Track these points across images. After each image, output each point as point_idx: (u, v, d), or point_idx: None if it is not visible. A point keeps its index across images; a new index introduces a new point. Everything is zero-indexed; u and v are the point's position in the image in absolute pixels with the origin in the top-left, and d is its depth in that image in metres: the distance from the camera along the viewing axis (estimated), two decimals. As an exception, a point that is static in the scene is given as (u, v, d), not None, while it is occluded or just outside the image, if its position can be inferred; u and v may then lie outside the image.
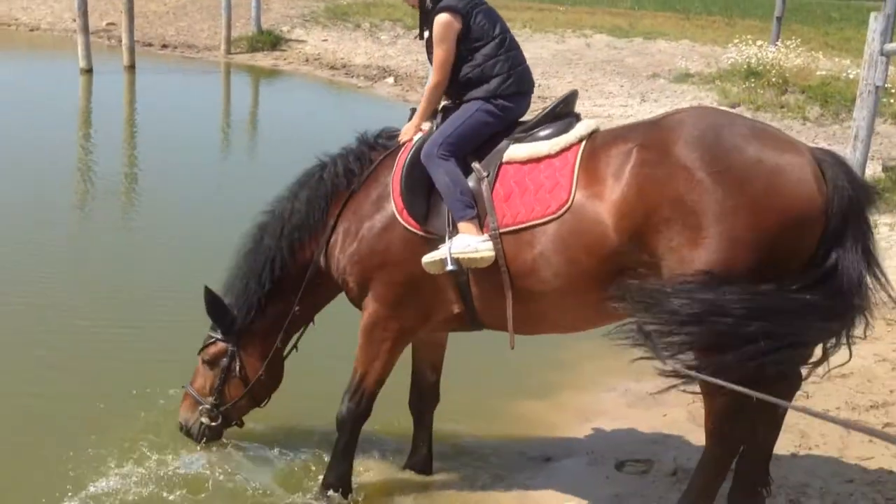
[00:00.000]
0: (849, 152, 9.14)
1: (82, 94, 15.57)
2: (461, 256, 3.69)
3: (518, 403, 5.29)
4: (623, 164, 3.56)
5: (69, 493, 4.17)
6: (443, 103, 4.15)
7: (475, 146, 3.93)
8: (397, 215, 3.90)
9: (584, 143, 3.78)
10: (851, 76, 14.11)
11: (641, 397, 5.49)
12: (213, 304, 4.32)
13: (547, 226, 3.64)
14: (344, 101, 16.95)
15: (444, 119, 4.00)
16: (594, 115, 14.57)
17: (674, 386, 3.51)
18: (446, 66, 3.96)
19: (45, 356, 5.57)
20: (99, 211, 8.79)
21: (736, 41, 16.61)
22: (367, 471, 4.55)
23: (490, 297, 3.82)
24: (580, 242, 3.58)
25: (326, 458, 4.40)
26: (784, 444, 4.66)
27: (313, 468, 4.51)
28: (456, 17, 3.91)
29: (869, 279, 3.54)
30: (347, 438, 4.22)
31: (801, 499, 4.21)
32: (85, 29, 16.32)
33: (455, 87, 4.04)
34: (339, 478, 4.25)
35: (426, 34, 4.09)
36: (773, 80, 14.54)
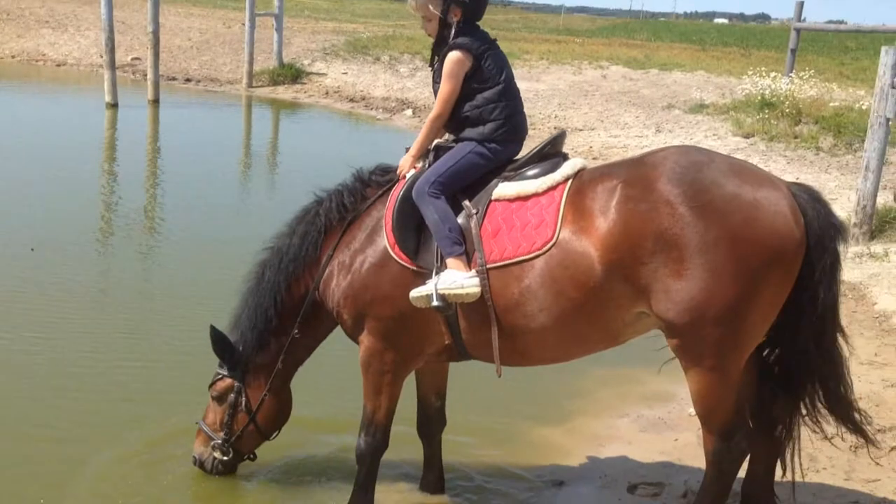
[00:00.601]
0: (860, 182, 9.30)
1: (108, 128, 15.92)
2: (447, 292, 3.80)
3: (532, 429, 5.42)
4: (608, 199, 3.71)
5: None
6: (436, 142, 4.26)
7: (465, 185, 4.07)
8: (389, 250, 4.01)
9: (570, 181, 3.92)
10: (865, 107, 14.26)
11: (653, 423, 5.62)
12: (218, 341, 4.47)
13: (534, 261, 3.77)
14: (363, 133, 17.25)
15: (436, 158, 4.12)
16: (610, 145, 14.80)
17: None
18: (450, 100, 4.10)
19: (64, 386, 5.67)
20: (120, 244, 8.94)
21: (750, 73, 16.78)
22: (385, 493, 4.69)
23: (477, 330, 3.94)
24: (567, 276, 3.72)
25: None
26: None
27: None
28: (468, 56, 4.06)
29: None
30: (367, 471, 4.33)
31: (809, 517, 4.32)
32: (111, 65, 16.76)
33: (453, 122, 4.17)
34: None
35: (436, 64, 4.22)
36: (787, 110, 14.71)
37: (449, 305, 3.86)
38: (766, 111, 15.02)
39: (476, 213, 3.95)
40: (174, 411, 5.29)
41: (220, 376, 4.55)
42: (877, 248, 8.76)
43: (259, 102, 19.97)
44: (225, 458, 4.57)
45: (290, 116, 19.03)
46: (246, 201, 11.50)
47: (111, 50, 16.73)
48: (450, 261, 3.86)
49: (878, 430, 5.31)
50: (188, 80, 21.88)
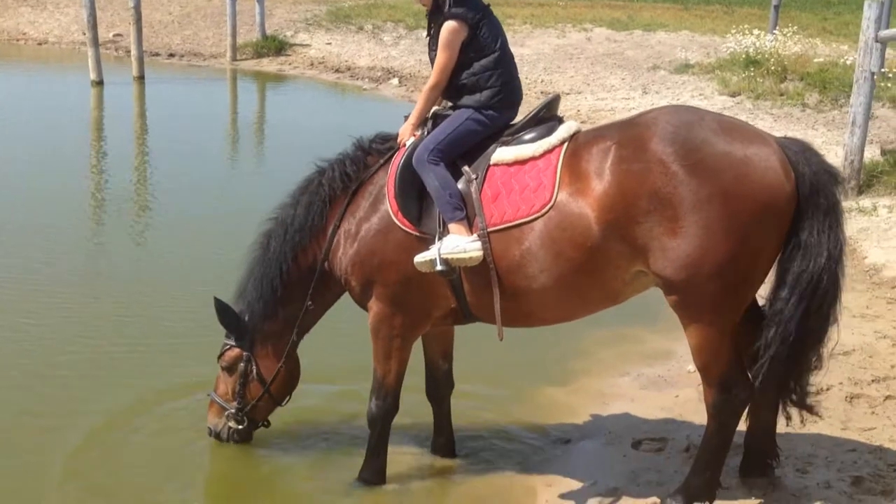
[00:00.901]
0: (847, 137, 9.41)
1: (95, 106, 15.87)
2: (450, 257, 3.93)
3: (538, 389, 5.57)
4: (603, 161, 3.83)
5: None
6: (434, 109, 4.36)
7: (464, 151, 4.18)
8: (392, 216, 4.14)
9: (566, 144, 4.04)
10: (849, 62, 14.33)
11: (654, 380, 5.77)
12: (223, 312, 4.56)
13: (533, 223, 3.90)
14: (351, 102, 17.25)
15: (434, 125, 4.24)
16: (597, 108, 14.83)
17: None
18: (447, 69, 4.19)
19: (51, 375, 5.68)
20: (111, 222, 9.01)
21: (734, 31, 16.81)
22: (397, 456, 4.81)
23: (481, 292, 4.07)
24: (565, 237, 3.85)
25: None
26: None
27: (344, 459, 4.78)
28: (464, 26, 4.14)
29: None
30: (379, 435, 4.47)
31: (808, 468, 4.48)
32: (95, 42, 16.63)
33: (450, 90, 4.27)
34: (375, 472, 4.52)
35: (432, 34, 4.30)
36: (772, 68, 14.77)
37: (452, 269, 3.99)
38: (752, 69, 15.06)
39: (475, 178, 4.06)
40: (166, 396, 5.38)
41: (228, 346, 4.64)
42: (865, 202, 8.89)
43: (244, 75, 19.86)
44: (240, 426, 4.67)
45: (277, 88, 18.95)
46: (237, 176, 11.54)
47: (94, 27, 16.61)
48: (452, 226, 3.98)
49: (873, 380, 5.50)
50: (171, 55, 21.69)
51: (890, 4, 10.92)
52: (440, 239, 3.99)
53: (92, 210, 9.56)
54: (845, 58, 14.92)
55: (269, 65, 20.67)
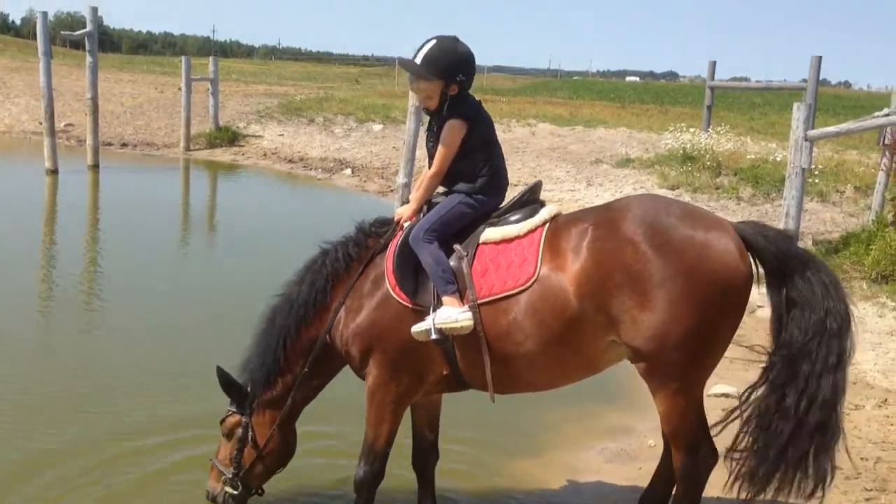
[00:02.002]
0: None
1: (49, 194, 15.96)
2: (444, 326, 4.30)
3: (511, 462, 5.85)
4: (580, 240, 4.27)
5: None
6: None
7: (456, 231, 4.58)
8: (391, 291, 4.50)
9: (547, 225, 4.47)
10: (779, 158, 15.36)
11: (617, 454, 6.11)
12: (225, 381, 4.80)
13: (519, 296, 4.29)
14: (305, 192, 17.66)
15: (429, 209, 4.66)
16: (546, 199, 15.48)
17: None
18: (447, 160, 4.62)
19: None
20: (60, 308, 8.99)
21: (671, 129, 17.81)
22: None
23: (472, 359, 4.42)
24: (547, 307, 4.24)
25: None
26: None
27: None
28: (464, 124, 4.59)
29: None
30: (365, 499, 4.71)
31: None
32: (51, 131, 16.88)
33: (446, 177, 4.70)
34: None
35: (434, 129, 4.71)
36: (708, 163, 15.69)
37: (446, 338, 4.33)
38: (689, 164, 15.97)
39: (466, 255, 4.45)
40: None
41: (229, 413, 4.87)
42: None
43: (199, 165, 20.21)
44: (235, 492, 4.84)
45: (232, 178, 19.31)
46: (188, 259, 11.73)
47: (51, 117, 16.85)
48: (445, 298, 4.34)
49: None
50: (124, 144, 21.99)
51: (815, 106, 11.85)
52: (434, 311, 4.35)
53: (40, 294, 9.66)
54: (774, 154, 15.96)
55: (222, 155, 21.08)
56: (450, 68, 4.48)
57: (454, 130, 4.58)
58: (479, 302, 4.34)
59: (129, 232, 12.87)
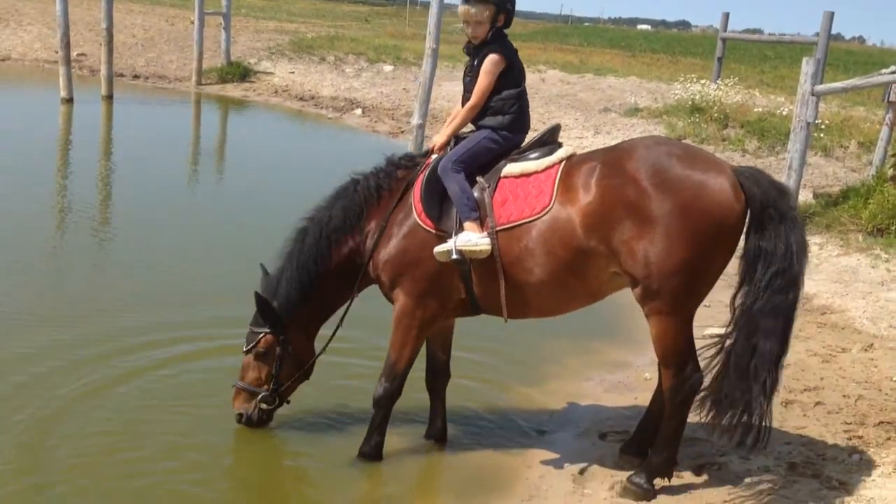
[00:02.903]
0: (784, 181, 10.37)
1: (64, 123, 16.18)
2: (464, 248, 4.67)
3: (515, 389, 6.25)
4: (589, 177, 4.62)
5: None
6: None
7: (480, 164, 4.93)
8: (417, 218, 4.87)
9: (563, 163, 4.82)
10: (785, 112, 15.52)
11: (615, 385, 6.50)
12: (264, 306, 5.13)
13: (532, 224, 4.66)
14: (319, 132, 17.86)
15: (457, 143, 5.00)
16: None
17: None
18: (486, 92, 4.93)
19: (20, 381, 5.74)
20: (74, 235, 9.25)
21: (681, 80, 17.92)
22: (395, 438, 5.41)
23: (487, 284, 4.79)
24: (556, 237, 4.61)
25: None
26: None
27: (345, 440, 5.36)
28: (503, 59, 4.91)
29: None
30: (383, 414, 5.11)
31: (750, 456, 5.20)
32: (67, 60, 17.01)
33: (480, 110, 5.02)
34: (375, 447, 5.14)
35: (474, 62, 5.01)
36: (716, 115, 15.85)
37: (465, 260, 4.69)
38: (696, 115, 16.13)
39: (488, 187, 4.81)
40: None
41: (262, 334, 5.17)
42: (799, 239, 9.81)
43: (212, 100, 20.40)
44: (271, 407, 5.25)
45: (244, 113, 19.50)
46: (233, 214, 12.00)
47: (66, 45, 16.96)
48: (466, 224, 4.71)
49: (804, 389, 6.29)
50: (136, 76, 22.12)
51: (824, 61, 12.00)
52: (456, 234, 4.70)
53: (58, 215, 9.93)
54: (781, 109, 16.12)
55: (233, 90, 21.22)
56: None
57: (496, 63, 4.89)
58: (497, 228, 4.69)
59: (143, 164, 13.14)
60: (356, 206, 5.03)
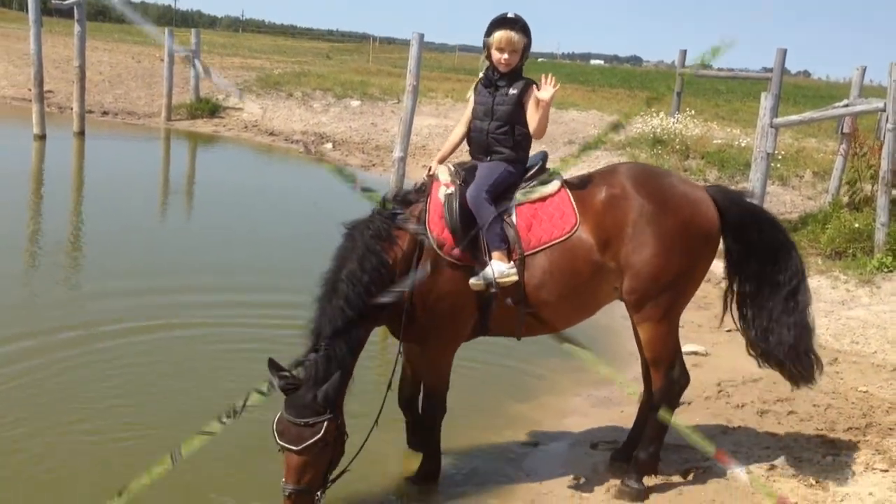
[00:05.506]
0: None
1: (36, 159, 16.24)
2: (500, 280, 4.76)
3: (509, 405, 6.59)
4: (598, 197, 4.99)
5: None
6: (457, 161, 5.19)
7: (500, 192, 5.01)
8: (439, 252, 4.71)
9: (564, 186, 5.06)
10: (743, 144, 16.22)
11: (602, 400, 6.87)
12: (325, 395, 4.38)
13: (561, 244, 4.88)
14: (295, 166, 18.14)
15: (468, 173, 4.99)
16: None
17: None
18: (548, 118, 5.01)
19: None
20: (45, 272, 9.22)
21: (642, 114, 18.57)
22: (395, 448, 5.65)
23: (507, 307, 4.90)
24: (581, 254, 4.91)
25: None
26: (714, 427, 6.14)
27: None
28: None
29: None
30: (438, 432, 5.20)
31: (733, 457, 5.60)
32: (40, 97, 17.16)
33: (510, 142, 5.01)
34: (437, 465, 5.26)
35: (508, 92, 4.99)
36: (677, 147, 16.48)
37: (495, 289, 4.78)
38: (658, 147, 16.74)
39: (509, 216, 4.92)
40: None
41: (323, 421, 4.38)
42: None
43: (182, 136, 20.57)
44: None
45: (214, 149, 19.71)
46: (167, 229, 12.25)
47: (40, 83, 17.13)
48: (495, 254, 4.80)
49: (777, 400, 6.73)
50: (105, 112, 22.25)
51: (779, 96, 12.64)
52: (488, 264, 4.76)
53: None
54: (738, 140, 16.82)
55: (204, 126, 21.44)
56: (530, 33, 5.04)
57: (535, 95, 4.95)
58: (525, 254, 4.88)
59: (114, 202, 13.13)
60: (377, 264, 4.64)
